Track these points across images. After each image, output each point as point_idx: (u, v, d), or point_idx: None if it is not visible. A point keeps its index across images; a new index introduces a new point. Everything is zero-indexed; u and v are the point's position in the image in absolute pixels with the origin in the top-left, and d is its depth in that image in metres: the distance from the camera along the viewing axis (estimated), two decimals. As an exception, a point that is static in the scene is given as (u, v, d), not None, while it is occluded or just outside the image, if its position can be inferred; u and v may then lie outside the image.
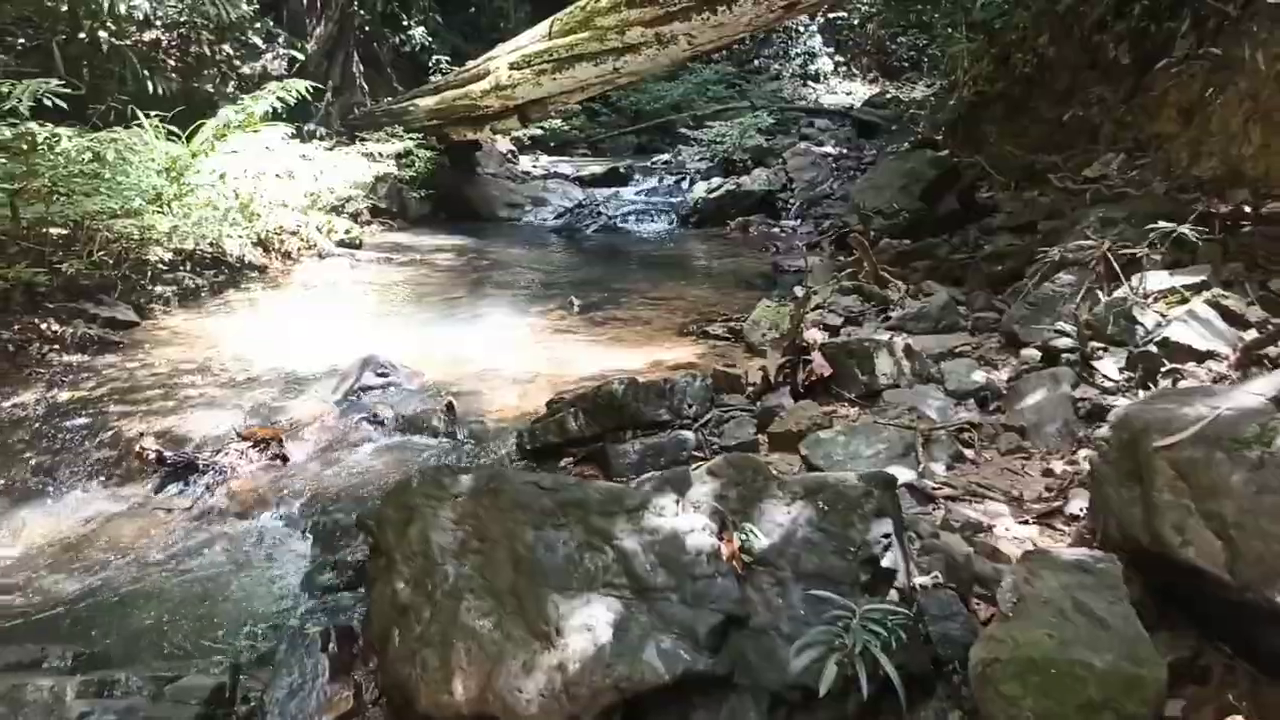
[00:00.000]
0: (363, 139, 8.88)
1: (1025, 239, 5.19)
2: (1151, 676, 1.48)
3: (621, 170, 11.74)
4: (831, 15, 16.80)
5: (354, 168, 7.80)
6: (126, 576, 2.53)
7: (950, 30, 8.75)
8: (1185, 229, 3.56)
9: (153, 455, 3.15)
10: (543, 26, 7.70)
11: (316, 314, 5.45)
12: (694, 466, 2.33)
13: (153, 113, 6.15)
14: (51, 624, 2.28)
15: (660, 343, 4.74)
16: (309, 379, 4.03)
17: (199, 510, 2.94)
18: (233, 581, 2.50)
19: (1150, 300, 3.42)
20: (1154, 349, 3.05)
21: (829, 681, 1.62)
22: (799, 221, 8.92)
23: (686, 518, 2.00)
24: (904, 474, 2.59)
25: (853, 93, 16.74)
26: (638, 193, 10.82)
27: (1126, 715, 1.44)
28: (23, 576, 2.54)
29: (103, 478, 3.16)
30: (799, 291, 5.16)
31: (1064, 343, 3.36)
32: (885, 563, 1.92)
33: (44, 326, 4.31)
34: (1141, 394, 2.91)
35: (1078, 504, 2.41)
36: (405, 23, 12.03)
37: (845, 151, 11.40)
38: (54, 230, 4.94)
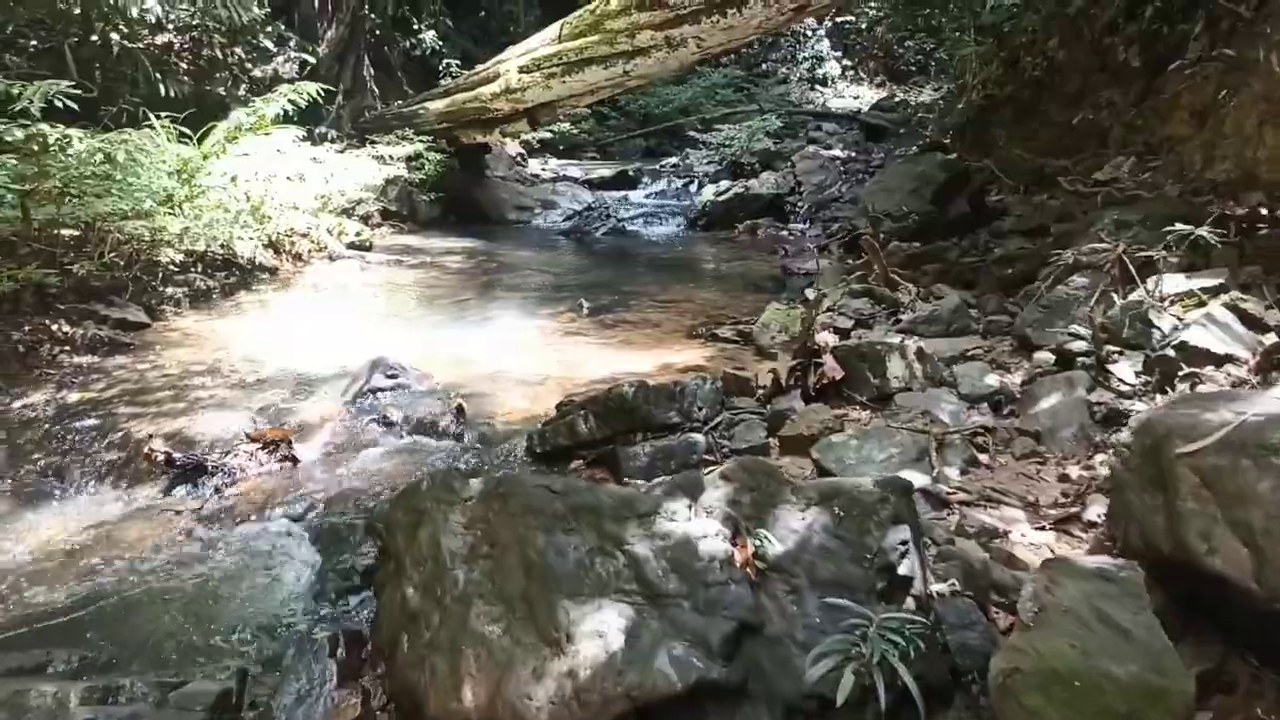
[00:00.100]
0: (373, 142, 8.89)
1: (1036, 242, 5.15)
2: (1177, 688, 1.44)
3: (630, 173, 11.76)
4: (839, 19, 16.76)
5: (364, 170, 7.80)
6: (133, 579, 2.51)
7: (959, 34, 8.72)
8: (1203, 231, 3.52)
9: (162, 457, 3.14)
10: (552, 30, 7.71)
11: (327, 315, 5.45)
12: (705, 470, 2.31)
13: (164, 115, 6.17)
14: (55, 628, 2.26)
15: (670, 345, 4.72)
16: (319, 380, 4.02)
17: (207, 512, 2.92)
18: (240, 585, 2.48)
19: (1167, 303, 3.37)
20: (1171, 352, 3.00)
21: (846, 691, 1.59)
22: (807, 224, 8.91)
23: (699, 523, 1.97)
24: (918, 479, 2.55)
25: (860, 97, 16.68)
26: (646, 196, 10.86)
27: (1152, 728, 1.41)
28: (28, 578, 2.53)
29: (112, 479, 3.15)
30: (809, 294, 5.15)
31: (1078, 346, 3.33)
32: (902, 570, 1.89)
33: (55, 328, 4.31)
34: (1159, 398, 2.87)
35: (1095, 510, 2.38)
36: (416, 26, 12.05)
37: (853, 155, 11.37)
38: (65, 231, 4.95)
